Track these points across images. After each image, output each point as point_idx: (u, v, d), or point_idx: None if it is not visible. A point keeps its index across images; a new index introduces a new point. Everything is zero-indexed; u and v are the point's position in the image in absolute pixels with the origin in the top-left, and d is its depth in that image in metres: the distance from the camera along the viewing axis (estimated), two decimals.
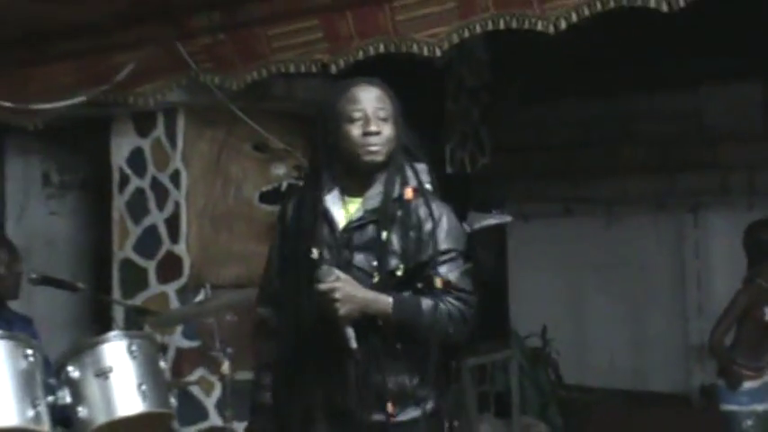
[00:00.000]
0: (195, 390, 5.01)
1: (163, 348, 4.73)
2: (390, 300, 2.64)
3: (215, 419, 5.03)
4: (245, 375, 5.00)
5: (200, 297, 4.78)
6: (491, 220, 4.68)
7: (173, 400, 3.56)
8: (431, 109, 6.16)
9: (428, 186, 2.79)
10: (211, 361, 4.22)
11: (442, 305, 2.68)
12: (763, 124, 6.77)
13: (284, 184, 5.31)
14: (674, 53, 6.21)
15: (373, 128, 2.67)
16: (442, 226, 2.72)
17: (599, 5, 3.39)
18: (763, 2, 5.44)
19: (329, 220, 2.69)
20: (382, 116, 2.70)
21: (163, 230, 5.12)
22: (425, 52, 3.84)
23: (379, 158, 2.69)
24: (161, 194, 5.13)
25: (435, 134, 6.23)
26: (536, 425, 6.63)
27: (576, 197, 7.46)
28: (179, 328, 5.00)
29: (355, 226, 2.70)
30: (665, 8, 3.24)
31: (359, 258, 2.69)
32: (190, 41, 4.47)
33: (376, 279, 2.66)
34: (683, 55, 6.23)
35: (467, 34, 3.74)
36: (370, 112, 2.69)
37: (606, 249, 7.33)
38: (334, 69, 4.08)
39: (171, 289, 5.09)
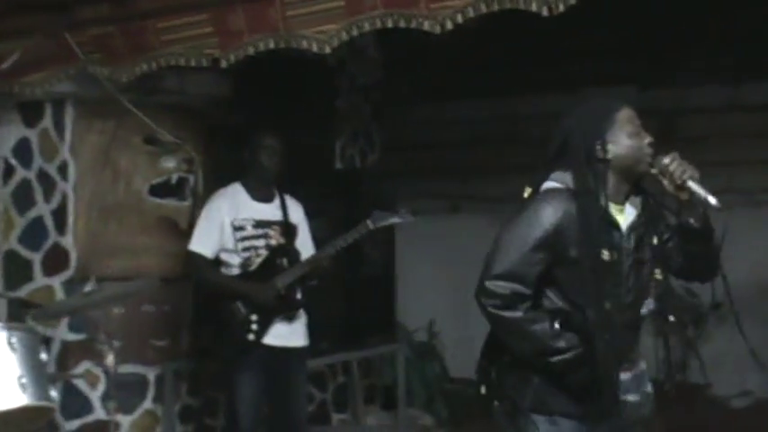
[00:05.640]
0: (80, 383, 4.98)
1: (47, 341, 4.68)
2: None
3: (100, 413, 5.00)
4: (130, 368, 5.02)
5: (86, 289, 4.75)
6: (395, 219, 4.78)
7: (54, 394, 3.54)
8: (321, 106, 6.22)
9: None
10: (97, 353, 4.20)
11: None
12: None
13: (174, 177, 5.30)
14: (558, 57, 6.40)
15: (651, 139, 2.97)
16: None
17: (483, 7, 3.43)
18: (645, 11, 5.67)
19: (616, 226, 2.93)
20: None
21: (49, 222, 5.07)
22: (315, 49, 3.82)
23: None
24: (48, 186, 5.07)
25: (325, 130, 6.30)
26: (422, 417, 6.75)
27: (463, 195, 7.61)
28: (65, 321, 4.94)
29: (631, 229, 2.97)
30: (545, 12, 3.31)
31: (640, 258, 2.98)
32: (79, 32, 4.38)
33: (659, 276, 2.97)
34: (566, 59, 6.42)
35: (355, 32, 3.74)
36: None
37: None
38: (224, 64, 4.05)
39: (57, 282, 5.03)
